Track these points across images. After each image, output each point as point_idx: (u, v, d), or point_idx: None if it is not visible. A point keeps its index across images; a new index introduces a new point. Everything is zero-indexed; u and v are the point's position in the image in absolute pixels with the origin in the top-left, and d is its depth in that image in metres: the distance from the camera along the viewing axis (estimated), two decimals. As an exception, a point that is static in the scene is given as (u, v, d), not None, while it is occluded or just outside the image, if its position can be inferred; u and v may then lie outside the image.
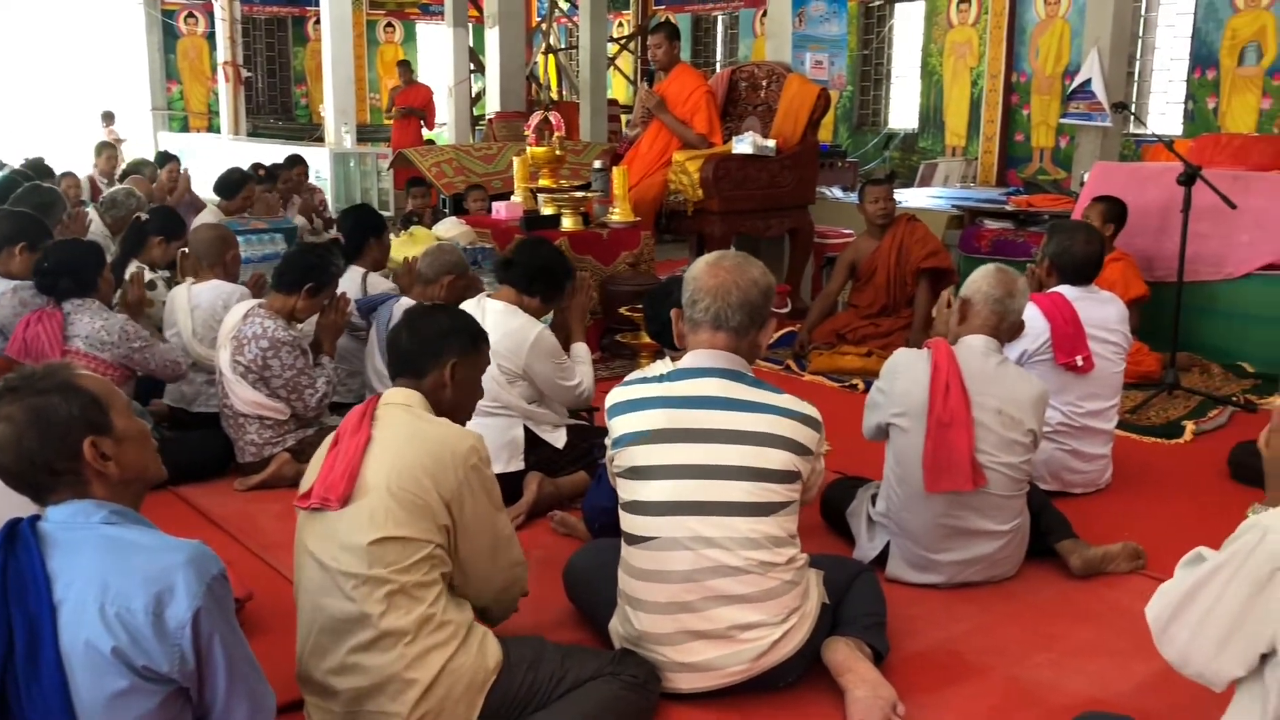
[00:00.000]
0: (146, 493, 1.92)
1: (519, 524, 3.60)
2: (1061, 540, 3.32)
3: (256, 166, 8.85)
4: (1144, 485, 4.09)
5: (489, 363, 2.69)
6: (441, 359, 2.50)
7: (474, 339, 2.60)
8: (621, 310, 5.18)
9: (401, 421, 2.37)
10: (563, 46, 14.96)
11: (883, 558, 3.25)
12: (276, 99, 18.81)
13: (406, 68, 13.91)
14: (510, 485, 3.69)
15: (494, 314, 3.76)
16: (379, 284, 4.74)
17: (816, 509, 3.56)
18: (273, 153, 10.97)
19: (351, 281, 4.64)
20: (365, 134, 13.02)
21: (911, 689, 2.61)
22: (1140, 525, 3.65)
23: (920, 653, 2.84)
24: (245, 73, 16.14)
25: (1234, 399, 5.14)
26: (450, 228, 5.88)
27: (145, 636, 1.66)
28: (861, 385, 5.24)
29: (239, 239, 4.91)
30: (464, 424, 2.54)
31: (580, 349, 4.01)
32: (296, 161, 8.89)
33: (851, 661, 2.57)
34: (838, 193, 9.59)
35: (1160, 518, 3.78)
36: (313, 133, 15.56)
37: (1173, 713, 2.47)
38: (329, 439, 2.39)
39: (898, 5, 15.16)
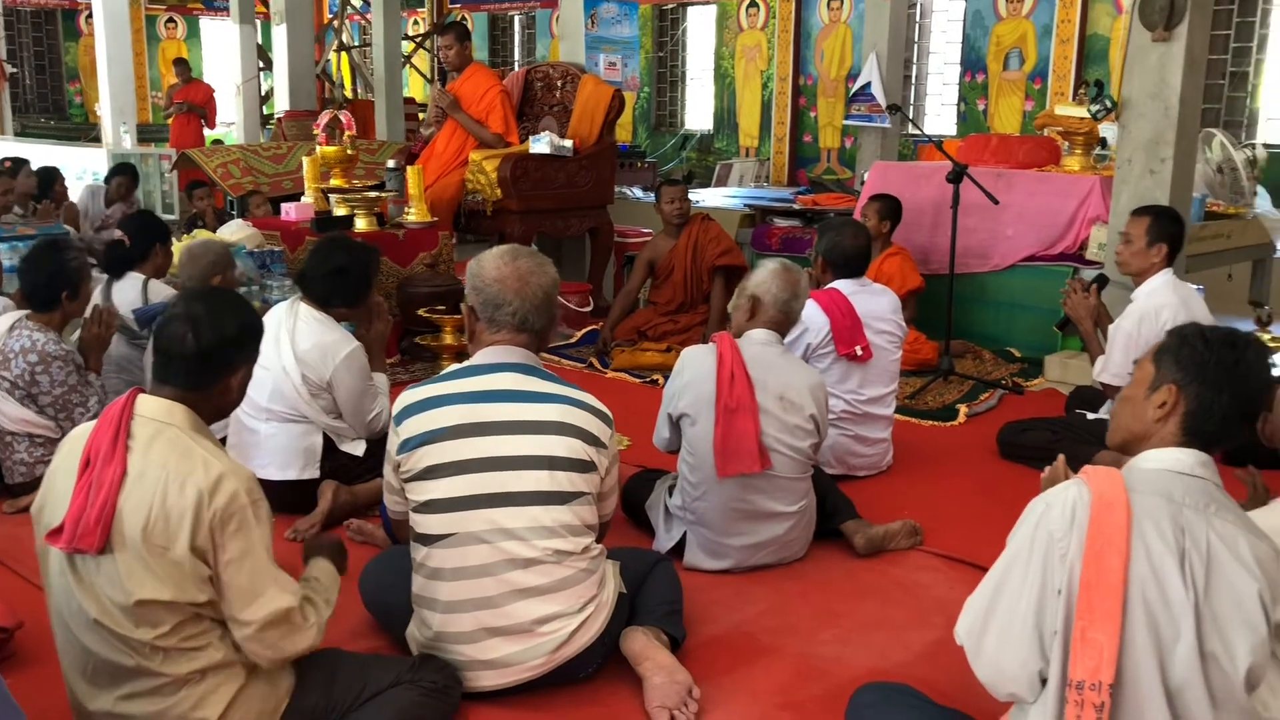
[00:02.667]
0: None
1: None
2: (846, 521, 3.49)
3: None
4: (922, 466, 4.34)
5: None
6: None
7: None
8: (420, 312, 5.12)
9: (159, 450, 2.10)
10: (356, 44, 14.61)
11: (680, 547, 3.34)
12: (47, 97, 17.70)
13: (184, 65, 13.32)
14: (305, 493, 3.61)
15: (307, 322, 3.63)
16: (160, 291, 4.53)
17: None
18: (44, 154, 10.29)
19: (132, 288, 4.42)
20: (147, 134, 12.36)
21: (707, 672, 2.70)
22: (919, 504, 3.87)
23: (716, 637, 2.93)
24: (10, 68, 15.09)
25: (1003, 382, 5.50)
26: (237, 230, 5.67)
27: None
28: (662, 380, 5.34)
29: (3, 246, 4.60)
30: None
31: (380, 379, 3.87)
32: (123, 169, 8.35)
33: (649, 650, 2.63)
34: (638, 193, 9.74)
35: (937, 496, 4.02)
36: (89, 133, 14.70)
37: (946, 677, 2.64)
38: (76, 451, 2.14)
39: (690, 9, 15.50)
